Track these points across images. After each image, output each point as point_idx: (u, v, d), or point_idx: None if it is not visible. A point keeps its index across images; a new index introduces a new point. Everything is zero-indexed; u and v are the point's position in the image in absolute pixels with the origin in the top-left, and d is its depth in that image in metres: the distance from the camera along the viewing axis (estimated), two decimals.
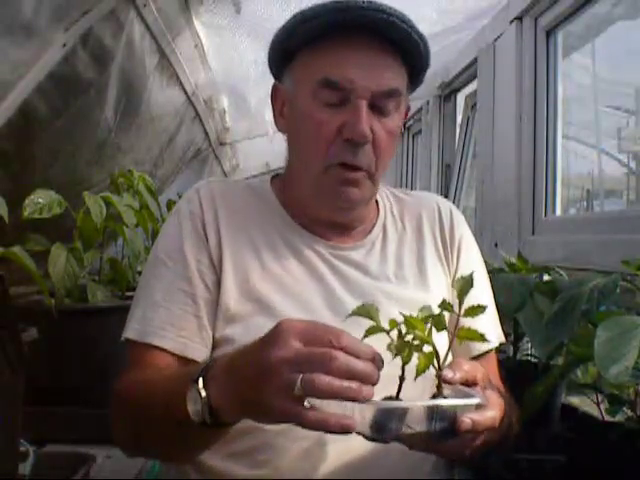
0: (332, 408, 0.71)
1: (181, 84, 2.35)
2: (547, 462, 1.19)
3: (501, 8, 2.16)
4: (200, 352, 0.94)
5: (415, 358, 0.73)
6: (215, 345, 0.96)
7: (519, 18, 2.04)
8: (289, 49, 0.98)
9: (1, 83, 1.32)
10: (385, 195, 1.13)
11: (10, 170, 1.53)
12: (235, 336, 0.93)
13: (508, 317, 1.16)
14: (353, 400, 0.65)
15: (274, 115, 1.04)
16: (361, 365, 0.65)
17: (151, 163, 2.55)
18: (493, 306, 1.11)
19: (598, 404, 1.27)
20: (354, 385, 0.64)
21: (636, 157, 3.46)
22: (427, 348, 0.73)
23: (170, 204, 2.35)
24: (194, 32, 2.17)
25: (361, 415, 0.68)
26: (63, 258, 1.44)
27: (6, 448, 0.92)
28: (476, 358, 1.04)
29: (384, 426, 0.68)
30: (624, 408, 1.20)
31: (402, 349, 0.72)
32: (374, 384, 0.66)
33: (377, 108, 0.94)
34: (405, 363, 0.72)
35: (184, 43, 2.15)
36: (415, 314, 0.74)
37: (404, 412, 0.69)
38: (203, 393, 0.72)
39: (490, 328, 1.07)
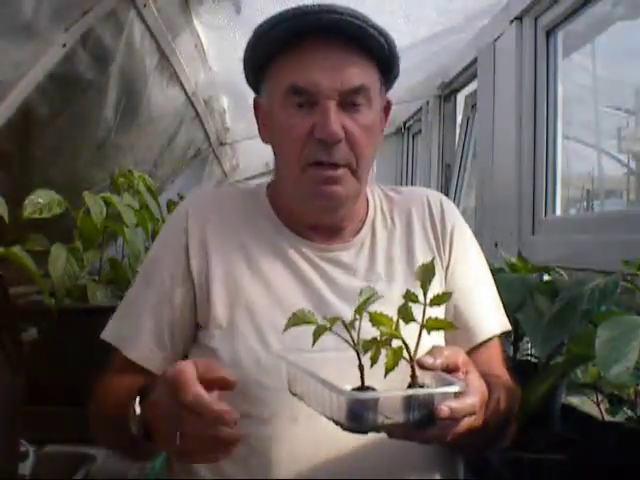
0: (311, 400, 0.75)
1: (181, 84, 2.35)
2: (547, 462, 1.19)
3: (501, 8, 2.16)
4: (159, 365, 0.99)
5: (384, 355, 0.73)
6: (195, 354, 1.01)
7: (519, 18, 2.04)
8: (257, 63, 1.00)
9: (1, 83, 1.32)
10: (376, 194, 1.13)
11: (10, 170, 1.53)
12: (218, 346, 0.97)
13: (508, 317, 1.16)
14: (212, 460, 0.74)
15: (258, 128, 1.07)
16: (211, 433, 0.70)
17: (151, 163, 2.55)
18: (494, 293, 1.11)
19: (598, 404, 1.27)
20: (207, 449, 0.72)
21: (636, 157, 3.46)
22: (396, 342, 0.74)
23: (170, 204, 2.36)
24: (194, 32, 2.18)
25: (337, 405, 0.69)
26: (63, 258, 1.44)
27: (6, 448, 0.92)
28: (479, 346, 1.04)
29: (361, 416, 0.68)
30: (624, 408, 1.20)
31: (369, 346, 0.73)
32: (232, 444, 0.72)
33: (348, 105, 0.95)
34: (373, 360, 0.73)
35: (184, 43, 2.15)
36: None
37: (380, 402, 0.69)
38: (137, 411, 0.80)
39: (490, 315, 1.07)
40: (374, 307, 0.96)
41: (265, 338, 0.96)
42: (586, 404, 1.35)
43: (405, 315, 0.74)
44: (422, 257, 1.06)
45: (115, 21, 1.59)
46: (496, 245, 2.09)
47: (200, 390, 0.70)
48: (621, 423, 1.16)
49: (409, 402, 0.70)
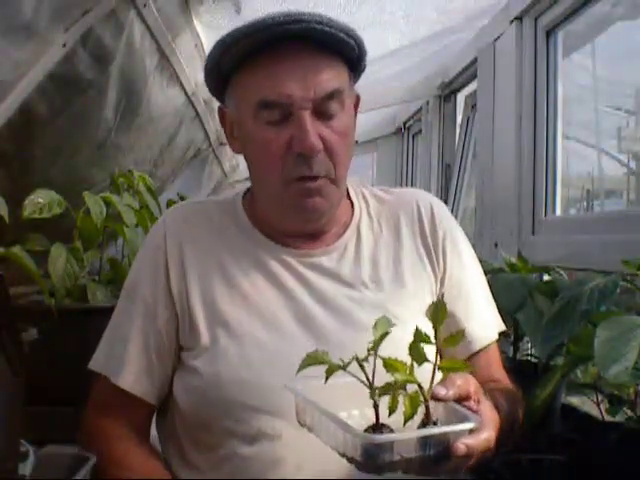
0: (322, 437, 0.73)
1: (181, 84, 2.35)
2: (547, 462, 1.19)
3: (501, 8, 2.16)
4: (147, 391, 0.99)
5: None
6: (180, 375, 0.99)
7: (519, 18, 2.04)
8: (221, 74, 0.97)
9: (1, 83, 1.32)
10: (362, 196, 1.11)
11: (10, 170, 1.53)
12: (200, 367, 0.95)
13: (508, 317, 1.16)
14: None
15: (226, 138, 1.05)
16: None
17: (151, 163, 2.55)
18: (489, 296, 1.10)
19: (598, 404, 1.26)
20: None
21: (636, 157, 3.46)
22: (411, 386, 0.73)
23: (170, 204, 2.35)
24: (194, 32, 2.17)
25: (352, 446, 0.68)
26: (63, 258, 1.44)
27: (6, 448, 0.92)
28: (478, 352, 1.04)
29: (376, 457, 0.68)
30: (624, 408, 1.20)
31: (384, 392, 0.72)
32: None
33: (322, 113, 0.93)
34: (391, 410, 0.71)
35: (184, 43, 2.15)
36: (392, 328, 0.73)
37: (396, 443, 0.68)
38: None
39: (487, 321, 1.07)
40: (360, 315, 0.96)
41: (248, 357, 0.94)
42: (586, 404, 1.35)
43: (417, 356, 0.73)
44: (410, 263, 1.04)
45: (115, 21, 1.59)
46: (496, 245, 2.10)
47: None
48: (621, 423, 1.16)
49: (425, 441, 0.69)
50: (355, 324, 0.96)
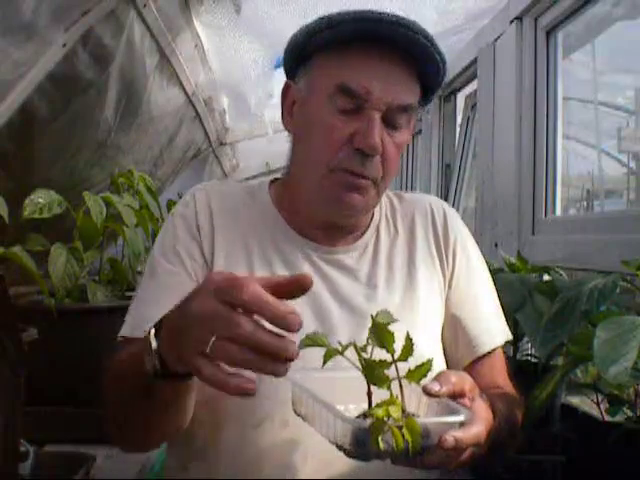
0: (316, 426, 0.73)
1: (181, 84, 2.35)
2: (547, 462, 1.19)
3: (501, 8, 2.16)
4: None
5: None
6: None
7: (519, 18, 2.04)
8: (308, 50, 0.97)
9: (1, 83, 1.32)
10: (382, 198, 1.12)
11: (10, 170, 1.53)
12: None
13: (508, 317, 1.16)
14: (265, 373, 0.62)
15: (282, 113, 1.04)
16: (266, 338, 0.61)
17: (151, 163, 2.55)
18: (497, 303, 1.11)
19: (598, 404, 1.26)
20: (256, 359, 0.61)
21: (636, 157, 3.46)
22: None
23: (170, 204, 2.35)
24: (194, 32, 2.17)
25: (342, 432, 0.69)
26: (63, 258, 1.44)
27: (6, 448, 0.92)
28: (483, 357, 1.04)
29: (364, 444, 0.68)
30: (624, 408, 1.20)
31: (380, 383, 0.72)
32: (288, 359, 0.62)
33: (389, 121, 0.94)
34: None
35: (184, 43, 2.15)
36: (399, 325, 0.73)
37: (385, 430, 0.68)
38: (154, 344, 0.72)
39: (493, 326, 1.07)
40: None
41: None
42: (586, 404, 1.35)
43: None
44: (423, 266, 1.06)
45: (115, 21, 1.59)
46: (496, 245, 2.10)
47: (261, 289, 0.62)
48: (621, 423, 1.16)
49: None
50: (366, 324, 0.97)
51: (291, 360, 0.62)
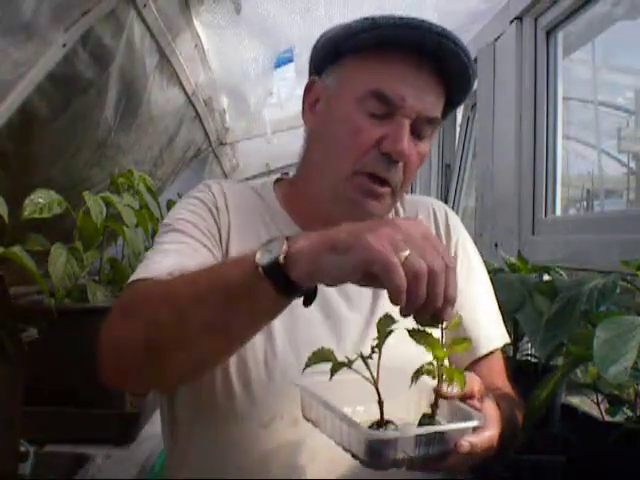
0: (327, 432, 0.74)
1: (181, 84, 2.35)
2: (547, 462, 1.19)
3: (501, 8, 2.16)
4: None
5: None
6: None
7: (519, 18, 2.04)
8: (343, 49, 0.96)
9: (1, 83, 1.32)
10: None
11: (10, 170, 1.53)
12: None
13: (508, 317, 1.16)
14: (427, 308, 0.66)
15: (303, 109, 1.03)
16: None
17: (151, 163, 2.55)
18: (495, 307, 1.11)
19: (598, 404, 1.26)
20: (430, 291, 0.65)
21: (636, 157, 3.46)
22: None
23: (170, 204, 2.35)
24: (194, 32, 2.17)
25: (357, 441, 0.69)
26: (63, 258, 1.44)
27: (6, 448, 0.92)
28: (481, 359, 1.04)
29: (380, 454, 0.68)
30: (624, 408, 1.20)
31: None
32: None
33: (416, 131, 0.94)
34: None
35: (184, 43, 2.15)
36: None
37: (400, 440, 0.69)
38: (284, 246, 0.69)
39: (492, 328, 1.07)
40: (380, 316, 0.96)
41: (272, 341, 0.94)
42: (586, 404, 1.35)
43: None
44: None
45: (115, 21, 1.59)
46: (496, 245, 2.09)
47: None
48: (621, 423, 1.16)
49: (429, 439, 0.70)
50: (374, 322, 0.97)
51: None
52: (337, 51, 0.97)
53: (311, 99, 1.01)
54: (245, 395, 0.93)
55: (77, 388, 1.35)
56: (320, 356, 0.74)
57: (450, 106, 1.00)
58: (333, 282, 0.69)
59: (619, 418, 1.22)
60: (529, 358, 1.45)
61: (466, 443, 0.70)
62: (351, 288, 0.99)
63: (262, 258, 0.70)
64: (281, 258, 0.68)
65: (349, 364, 0.72)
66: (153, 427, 1.47)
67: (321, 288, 0.98)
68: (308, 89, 1.02)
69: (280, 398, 0.92)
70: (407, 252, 0.64)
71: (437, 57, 0.92)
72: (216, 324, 0.73)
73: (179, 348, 0.76)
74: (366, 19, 0.93)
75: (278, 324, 0.95)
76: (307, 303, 0.74)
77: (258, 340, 0.94)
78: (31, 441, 1.17)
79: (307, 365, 0.74)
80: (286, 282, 0.69)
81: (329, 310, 0.98)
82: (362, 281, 0.68)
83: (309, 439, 0.91)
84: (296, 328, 0.95)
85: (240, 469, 0.93)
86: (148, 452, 1.38)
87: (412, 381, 0.73)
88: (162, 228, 0.99)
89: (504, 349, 1.10)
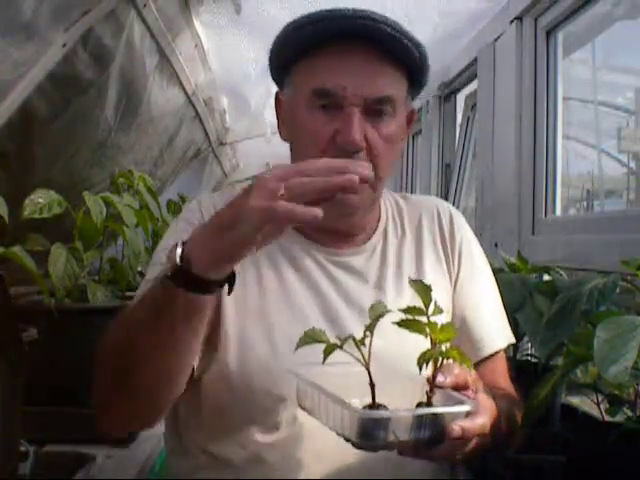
0: (321, 414, 0.74)
1: (181, 84, 2.35)
2: (547, 462, 1.19)
3: (501, 8, 2.16)
4: None
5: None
6: (206, 361, 0.95)
7: (519, 18, 2.04)
8: (285, 59, 0.99)
9: (1, 83, 1.32)
10: (388, 200, 1.13)
11: (10, 170, 1.53)
12: (228, 355, 0.94)
13: (508, 317, 1.16)
14: (341, 189, 0.70)
15: (278, 124, 1.05)
16: (340, 162, 0.72)
17: (151, 163, 2.55)
18: (500, 305, 1.11)
19: (598, 404, 1.26)
20: (327, 180, 0.70)
21: (636, 157, 3.46)
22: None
23: (170, 204, 2.35)
24: (194, 32, 2.17)
25: (349, 423, 0.69)
26: (63, 258, 1.44)
27: (6, 448, 0.92)
28: (484, 359, 1.04)
29: (372, 434, 0.68)
30: (624, 408, 1.20)
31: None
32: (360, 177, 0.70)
33: (372, 114, 0.94)
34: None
35: (184, 43, 2.15)
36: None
37: (392, 421, 0.69)
38: (179, 249, 0.73)
39: (497, 329, 1.07)
40: (385, 318, 0.96)
41: (276, 347, 0.94)
42: (586, 404, 1.35)
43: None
44: (431, 267, 1.06)
45: (115, 21, 1.59)
46: (496, 245, 2.09)
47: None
48: (621, 423, 1.16)
49: (420, 421, 0.70)
50: (380, 325, 0.97)
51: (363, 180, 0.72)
52: (282, 64, 1.00)
53: (281, 114, 1.04)
54: (245, 395, 0.93)
55: (77, 388, 1.35)
56: (312, 336, 0.75)
57: (418, 85, 1.01)
58: (242, 255, 0.72)
59: (619, 418, 1.22)
60: (529, 358, 1.45)
61: (457, 427, 0.70)
62: (351, 287, 1.01)
63: (167, 268, 0.74)
64: (178, 261, 0.72)
65: (340, 346, 0.73)
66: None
67: (321, 289, 0.99)
68: (276, 105, 1.06)
69: (285, 404, 0.92)
70: (282, 190, 0.68)
71: (369, 39, 0.92)
72: (160, 342, 0.79)
73: (141, 379, 0.82)
74: (287, 25, 0.96)
75: (278, 324, 0.95)
76: (230, 290, 0.77)
77: (258, 340, 0.94)
78: (31, 441, 1.17)
79: (298, 346, 0.75)
80: (194, 280, 0.72)
81: (329, 310, 0.98)
82: (266, 239, 0.72)
83: (310, 439, 0.91)
84: (296, 328, 0.95)
85: (240, 468, 0.93)
86: (148, 452, 1.38)
87: (419, 366, 0.74)
88: (152, 258, 1.03)
89: (505, 349, 1.10)
